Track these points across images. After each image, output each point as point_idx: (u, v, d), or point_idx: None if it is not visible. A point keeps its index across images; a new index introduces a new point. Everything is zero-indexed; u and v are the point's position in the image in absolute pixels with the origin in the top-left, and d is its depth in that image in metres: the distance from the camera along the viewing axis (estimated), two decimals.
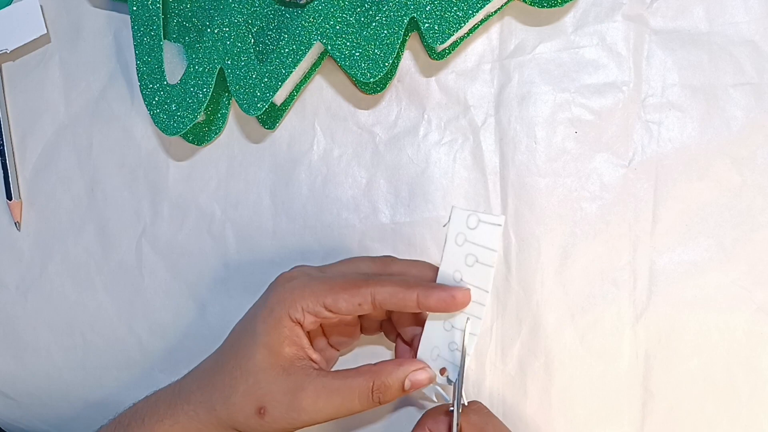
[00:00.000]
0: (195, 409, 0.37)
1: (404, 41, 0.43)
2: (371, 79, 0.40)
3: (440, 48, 0.43)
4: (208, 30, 0.42)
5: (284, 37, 0.41)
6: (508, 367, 0.45)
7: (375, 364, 0.36)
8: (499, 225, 0.35)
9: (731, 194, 0.43)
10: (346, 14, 0.40)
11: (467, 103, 0.45)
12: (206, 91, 0.42)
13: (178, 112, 0.42)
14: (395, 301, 0.35)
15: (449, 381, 0.37)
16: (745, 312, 0.43)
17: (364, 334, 0.43)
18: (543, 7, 0.41)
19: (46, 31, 0.46)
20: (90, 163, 0.49)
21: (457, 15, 0.39)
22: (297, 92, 0.45)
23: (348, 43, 0.40)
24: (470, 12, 0.39)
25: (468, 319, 0.36)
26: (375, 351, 0.46)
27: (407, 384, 0.36)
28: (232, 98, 0.44)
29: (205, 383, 0.38)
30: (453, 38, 0.40)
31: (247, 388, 0.36)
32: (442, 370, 0.37)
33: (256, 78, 0.41)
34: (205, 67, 0.42)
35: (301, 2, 0.41)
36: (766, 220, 0.42)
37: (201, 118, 0.45)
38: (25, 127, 0.50)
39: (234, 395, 0.36)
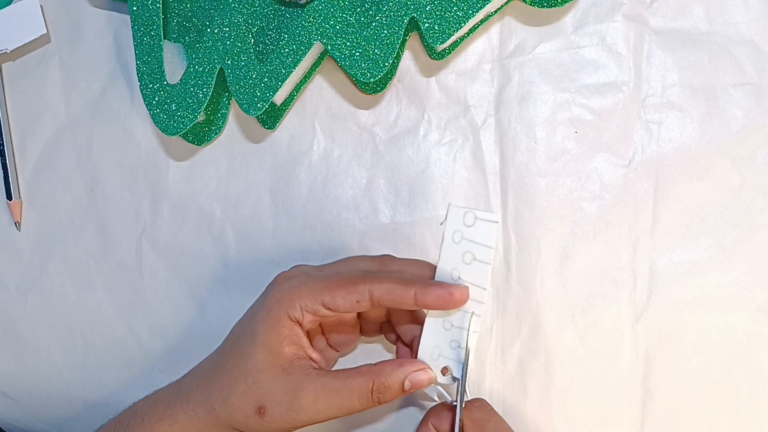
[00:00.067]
0: (194, 408, 0.37)
1: (404, 41, 0.43)
2: (371, 79, 0.40)
3: (440, 48, 0.43)
4: (208, 30, 0.42)
5: (284, 37, 0.41)
6: (508, 367, 0.45)
7: (375, 364, 0.36)
8: (496, 222, 0.35)
9: (731, 194, 0.43)
10: (346, 14, 0.40)
11: (467, 103, 0.45)
12: (206, 91, 0.42)
13: (178, 112, 0.42)
14: (393, 298, 0.35)
15: (454, 379, 0.37)
16: (745, 312, 0.43)
17: (364, 336, 0.43)
18: (543, 7, 0.41)
19: (46, 31, 0.46)
20: (90, 163, 0.49)
21: (457, 15, 0.39)
22: (297, 92, 0.45)
23: (348, 43, 0.40)
24: (470, 12, 0.39)
25: (473, 315, 0.36)
26: (375, 350, 0.46)
27: (407, 385, 0.36)
28: (232, 98, 0.44)
29: (205, 383, 0.38)
30: (453, 38, 0.40)
31: (246, 387, 0.36)
32: (444, 369, 0.37)
33: (256, 78, 0.41)
34: (205, 67, 0.42)
35: (301, 2, 0.41)
36: (766, 220, 0.42)
37: (201, 118, 0.45)
38: (25, 127, 0.50)
39: (233, 395, 0.36)
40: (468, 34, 0.43)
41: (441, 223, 0.36)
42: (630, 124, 0.43)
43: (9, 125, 0.50)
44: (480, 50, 0.45)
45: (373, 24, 0.40)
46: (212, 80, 0.42)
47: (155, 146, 0.48)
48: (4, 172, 0.49)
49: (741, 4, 0.42)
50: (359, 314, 0.41)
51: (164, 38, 0.43)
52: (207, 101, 0.42)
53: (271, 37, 0.44)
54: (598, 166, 0.44)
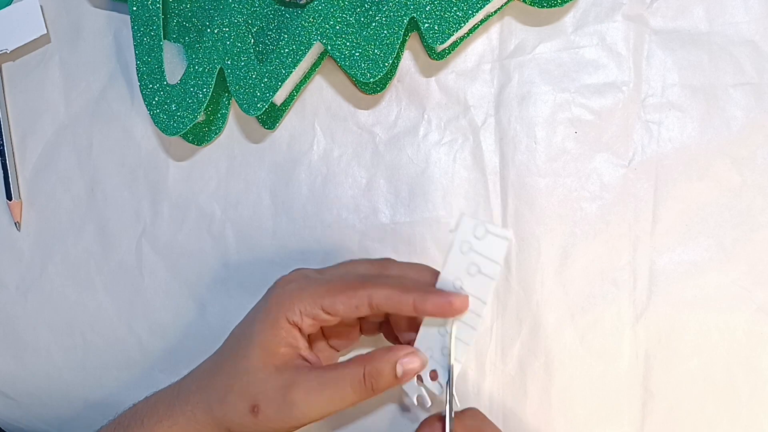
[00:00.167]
0: (193, 410, 0.37)
1: (404, 41, 0.43)
2: (371, 79, 0.40)
3: (440, 48, 0.43)
4: (208, 30, 0.42)
5: (284, 37, 0.41)
6: (508, 367, 0.45)
7: (366, 353, 0.36)
8: (506, 239, 0.34)
9: (731, 194, 0.43)
10: (346, 14, 0.40)
11: (467, 103, 0.45)
12: (206, 91, 0.42)
13: (178, 112, 0.42)
14: (392, 304, 0.35)
15: (440, 385, 0.37)
16: (745, 312, 0.43)
17: (364, 335, 0.43)
18: (543, 7, 0.41)
19: (46, 31, 0.46)
20: (90, 163, 0.49)
21: (457, 15, 0.39)
22: (297, 92, 0.45)
23: (348, 43, 0.40)
24: (470, 12, 0.39)
25: (454, 322, 0.36)
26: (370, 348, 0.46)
27: (399, 370, 0.35)
28: (232, 98, 0.44)
29: (204, 384, 0.38)
30: (453, 38, 0.40)
31: (241, 387, 0.36)
32: (433, 373, 0.37)
33: (256, 78, 0.41)
34: (205, 67, 0.42)
35: (301, 2, 0.41)
36: (766, 220, 0.42)
37: (201, 118, 0.45)
38: (25, 127, 0.50)
39: (229, 395, 0.36)
40: (468, 34, 0.43)
41: (450, 231, 0.36)
42: (630, 124, 0.43)
43: (9, 125, 0.50)
44: (480, 50, 0.45)
45: (373, 24, 0.40)
46: (212, 80, 0.42)
47: (155, 146, 0.48)
48: (4, 172, 0.49)
49: (741, 4, 0.42)
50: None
51: (164, 38, 0.43)
52: (207, 101, 0.42)
53: (271, 37, 0.44)
54: (598, 166, 0.44)
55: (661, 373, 0.43)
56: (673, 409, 0.43)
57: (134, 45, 0.42)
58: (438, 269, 0.37)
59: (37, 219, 0.50)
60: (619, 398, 0.44)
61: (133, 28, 0.42)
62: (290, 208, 0.47)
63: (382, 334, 0.42)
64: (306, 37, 0.41)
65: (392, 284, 0.35)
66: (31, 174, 0.50)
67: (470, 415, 0.37)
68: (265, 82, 0.41)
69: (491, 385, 0.45)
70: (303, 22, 0.41)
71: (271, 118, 0.46)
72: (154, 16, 0.42)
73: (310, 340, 0.39)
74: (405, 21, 0.39)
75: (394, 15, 0.39)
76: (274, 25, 0.43)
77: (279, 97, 0.43)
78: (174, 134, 0.42)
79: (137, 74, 0.42)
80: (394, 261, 0.39)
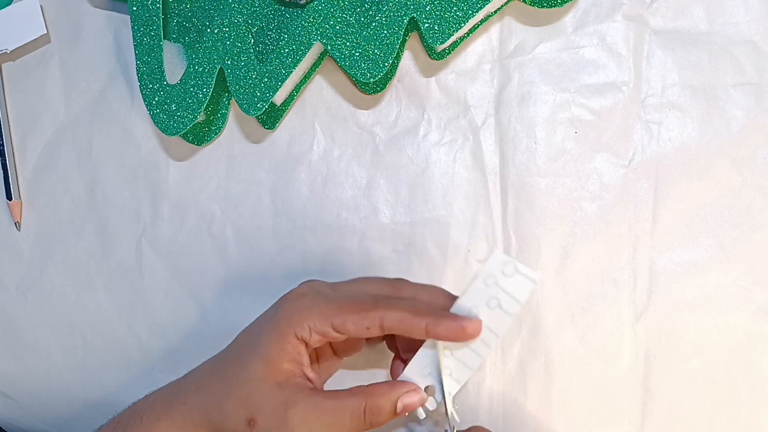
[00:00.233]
0: (190, 410, 0.37)
1: (404, 41, 0.43)
2: (371, 79, 0.40)
3: (440, 48, 0.43)
4: (208, 30, 0.42)
5: (284, 37, 0.41)
6: (508, 367, 0.45)
7: (367, 385, 0.36)
8: (534, 281, 0.35)
9: (731, 194, 0.43)
10: (346, 14, 0.40)
11: (467, 103, 0.45)
12: (206, 91, 0.42)
13: (178, 112, 0.42)
14: (404, 327, 0.35)
15: (435, 401, 0.37)
16: (745, 312, 0.43)
17: (367, 344, 0.43)
18: (543, 7, 0.41)
19: (46, 31, 0.46)
20: (90, 163, 0.49)
21: (457, 15, 0.39)
22: (297, 92, 0.45)
23: (348, 43, 0.40)
24: (470, 12, 0.39)
25: (446, 347, 0.36)
26: (370, 355, 0.46)
27: (399, 406, 0.36)
28: (232, 98, 0.44)
29: (204, 384, 0.38)
30: (453, 38, 0.40)
31: (241, 396, 0.36)
32: (429, 389, 0.37)
33: (256, 78, 0.41)
34: (205, 67, 0.42)
35: (301, 2, 0.41)
36: (766, 220, 0.42)
37: (201, 118, 0.45)
38: (25, 127, 0.50)
39: (227, 401, 0.36)
40: (468, 34, 0.43)
41: (478, 261, 0.36)
42: (630, 124, 0.43)
43: (9, 125, 0.50)
44: (480, 50, 0.45)
45: (373, 24, 0.40)
46: (212, 80, 0.42)
47: (155, 146, 0.48)
48: (4, 172, 0.49)
49: (741, 4, 0.42)
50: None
51: (164, 38, 0.43)
52: (207, 101, 0.42)
53: (271, 37, 0.44)
54: (598, 166, 0.44)
55: (661, 373, 0.43)
56: (673, 409, 0.43)
57: (134, 45, 0.42)
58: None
59: (37, 219, 0.50)
60: (619, 398, 0.44)
61: (133, 28, 0.42)
62: (290, 208, 0.47)
63: (384, 342, 0.42)
64: (306, 37, 0.41)
65: (405, 307, 0.35)
66: (31, 174, 0.50)
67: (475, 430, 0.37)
68: (265, 82, 0.41)
69: (491, 385, 0.45)
70: (303, 22, 0.41)
71: (271, 118, 0.46)
72: (154, 16, 0.42)
73: (318, 352, 0.39)
74: (405, 21, 0.39)
75: (394, 15, 0.39)
76: (274, 25, 0.43)
77: (279, 97, 0.43)
78: (174, 134, 0.42)
79: (137, 74, 0.42)
80: (407, 282, 0.39)
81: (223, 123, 0.46)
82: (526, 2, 0.42)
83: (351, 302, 0.36)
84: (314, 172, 0.47)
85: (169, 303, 0.48)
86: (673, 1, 0.42)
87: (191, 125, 0.42)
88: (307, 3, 0.41)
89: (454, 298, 0.37)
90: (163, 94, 0.42)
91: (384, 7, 0.40)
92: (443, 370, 0.36)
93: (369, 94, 0.45)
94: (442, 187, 0.45)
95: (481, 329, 0.35)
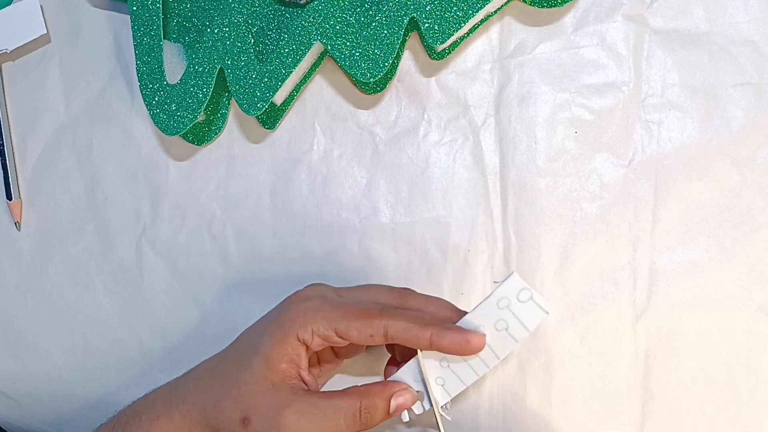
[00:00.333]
0: (188, 409, 0.37)
1: (404, 41, 0.43)
2: (371, 79, 0.40)
3: (440, 48, 0.43)
4: (208, 30, 0.42)
5: (284, 37, 0.41)
6: (508, 367, 0.45)
7: (361, 386, 0.36)
8: (547, 312, 0.35)
9: (731, 194, 0.43)
10: (346, 14, 0.40)
11: (467, 103, 0.45)
12: (206, 91, 0.42)
13: (178, 112, 0.42)
14: (407, 337, 0.35)
15: (422, 407, 0.37)
16: (745, 312, 0.43)
17: (368, 348, 0.43)
18: (543, 7, 0.41)
19: (46, 31, 0.46)
20: (90, 163, 0.49)
21: (457, 15, 0.39)
22: (297, 92, 0.45)
23: (348, 43, 0.40)
24: (470, 12, 0.39)
25: (444, 358, 0.36)
26: (367, 359, 0.46)
27: (393, 405, 0.36)
28: (232, 98, 0.44)
29: (203, 384, 0.38)
30: (453, 38, 0.40)
31: (237, 395, 0.36)
32: (419, 394, 0.37)
33: (256, 78, 0.41)
34: (205, 67, 0.42)
35: (301, 2, 0.41)
36: (766, 220, 0.42)
37: (201, 118, 0.45)
38: (25, 127, 0.50)
39: (224, 400, 0.36)
40: (468, 34, 0.43)
41: (494, 282, 0.36)
42: (630, 124, 0.43)
43: (9, 125, 0.50)
44: (480, 50, 0.45)
45: (373, 24, 0.40)
46: (212, 80, 0.42)
47: (155, 146, 0.48)
48: (4, 172, 0.49)
49: (741, 4, 0.42)
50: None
51: (164, 38, 0.43)
52: (207, 101, 0.42)
53: (271, 37, 0.44)
54: (598, 166, 0.44)
55: (661, 373, 0.43)
56: (673, 409, 0.43)
57: (134, 45, 0.42)
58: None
59: (37, 219, 0.50)
60: (619, 398, 0.44)
61: (133, 28, 0.42)
62: (290, 208, 0.47)
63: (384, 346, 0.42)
64: (306, 37, 0.41)
65: (410, 317, 0.35)
66: (31, 174, 0.50)
67: None
68: (265, 82, 0.41)
69: (491, 385, 0.45)
70: (303, 22, 0.41)
71: (271, 118, 0.46)
72: (154, 16, 0.42)
73: (318, 355, 0.39)
74: (405, 21, 0.39)
75: (394, 15, 0.39)
76: (274, 25, 0.43)
77: (279, 97, 0.43)
78: (174, 134, 0.42)
79: (137, 74, 0.42)
80: (413, 292, 0.39)
81: (223, 123, 0.46)
82: (526, 2, 0.42)
83: (356, 309, 0.36)
84: (314, 172, 0.47)
85: (169, 303, 0.48)
86: (673, 1, 0.42)
87: (191, 125, 0.42)
88: (307, 3, 0.41)
89: (460, 312, 0.37)
90: (163, 94, 0.42)
91: (384, 7, 0.40)
92: (436, 379, 0.37)
93: (369, 94, 0.45)
94: (442, 187, 0.45)
95: (485, 344, 0.35)
